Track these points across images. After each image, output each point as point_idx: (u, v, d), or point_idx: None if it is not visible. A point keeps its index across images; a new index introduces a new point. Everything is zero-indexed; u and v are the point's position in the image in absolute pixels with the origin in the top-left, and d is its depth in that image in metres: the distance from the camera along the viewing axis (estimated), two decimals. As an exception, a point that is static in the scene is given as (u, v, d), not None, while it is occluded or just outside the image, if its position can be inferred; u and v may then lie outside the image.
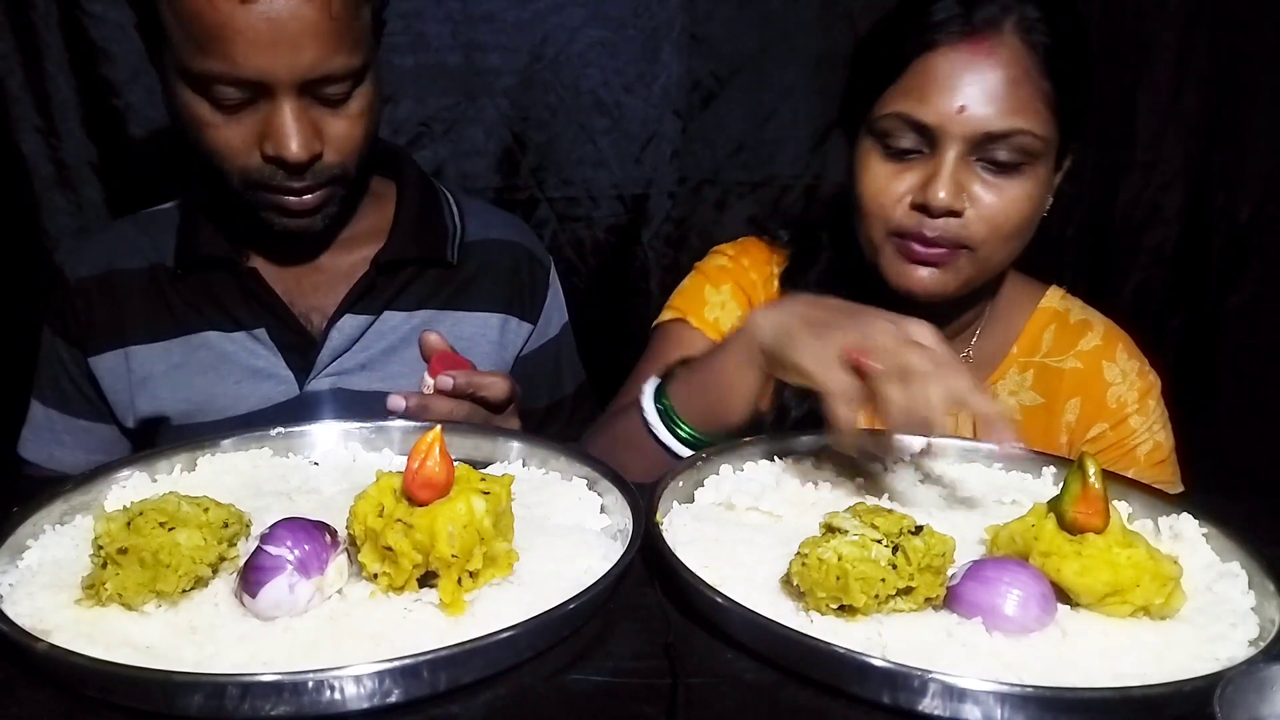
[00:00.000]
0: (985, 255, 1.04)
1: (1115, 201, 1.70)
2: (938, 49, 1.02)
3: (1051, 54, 1.01)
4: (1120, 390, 1.16)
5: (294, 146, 1.03)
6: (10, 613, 0.66)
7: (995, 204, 1.02)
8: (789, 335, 0.88)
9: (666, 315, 1.25)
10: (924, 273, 1.05)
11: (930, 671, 0.61)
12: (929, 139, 1.02)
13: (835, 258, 1.20)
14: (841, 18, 1.60)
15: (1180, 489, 1.16)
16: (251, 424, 1.14)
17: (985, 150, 1.01)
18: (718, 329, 1.20)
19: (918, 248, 1.04)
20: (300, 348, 1.19)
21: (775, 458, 0.95)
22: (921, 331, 0.84)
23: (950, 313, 1.15)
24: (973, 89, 1.00)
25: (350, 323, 1.19)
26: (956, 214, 1.02)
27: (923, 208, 1.02)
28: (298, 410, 1.17)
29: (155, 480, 0.87)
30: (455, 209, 1.30)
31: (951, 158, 1.01)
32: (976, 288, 1.10)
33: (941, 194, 1.00)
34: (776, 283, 1.24)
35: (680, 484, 0.88)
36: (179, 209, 1.25)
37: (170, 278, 1.19)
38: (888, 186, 1.05)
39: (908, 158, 1.04)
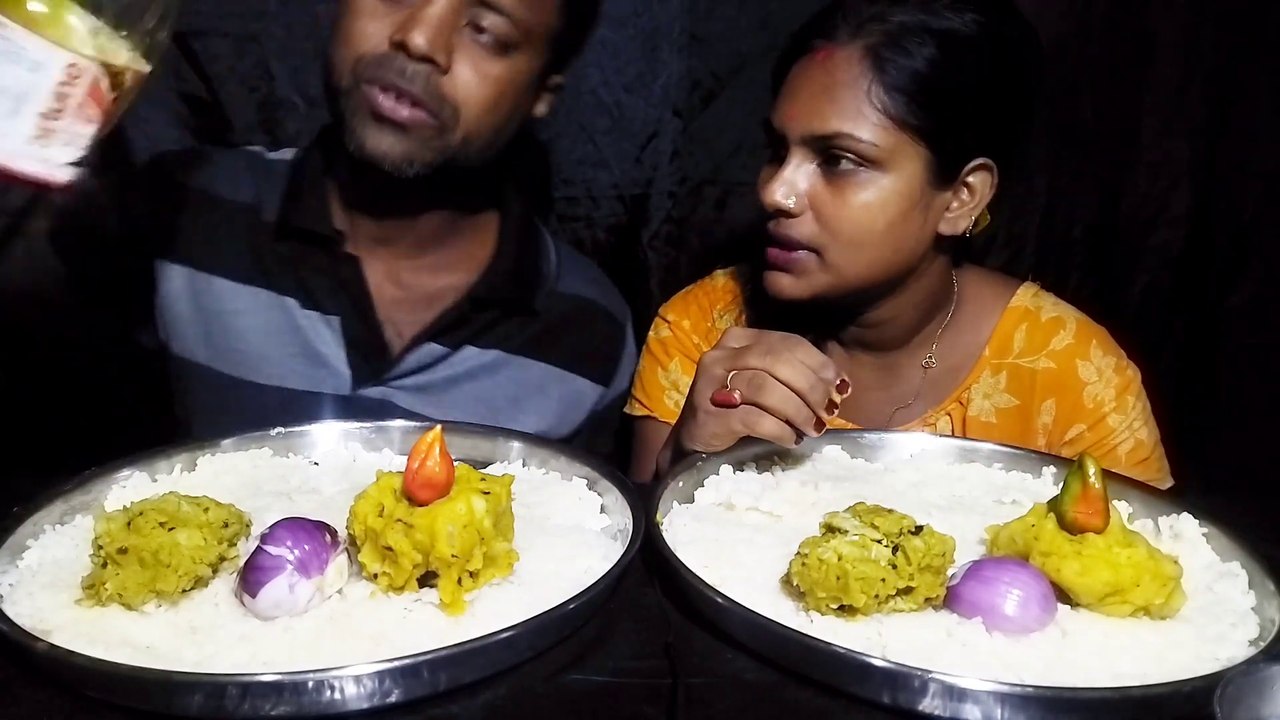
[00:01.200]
0: (834, 261, 1.07)
1: (1121, 201, 1.69)
2: (798, 60, 1.08)
3: (903, 69, 1.02)
4: (1097, 389, 1.14)
5: (421, 35, 1.01)
6: (10, 613, 0.66)
7: (829, 207, 1.05)
8: (688, 440, 0.96)
9: (637, 410, 1.28)
10: (778, 277, 1.10)
11: (930, 671, 0.61)
12: (783, 145, 1.08)
13: None
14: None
15: (1170, 483, 1.15)
16: (286, 406, 1.12)
17: (822, 155, 1.05)
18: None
19: (771, 252, 1.09)
20: (367, 350, 1.16)
21: (775, 458, 0.95)
22: (731, 334, 0.96)
23: (897, 321, 1.15)
24: (807, 95, 1.05)
25: (430, 350, 1.17)
26: (790, 214, 1.06)
27: (775, 210, 1.07)
28: (342, 408, 1.14)
29: (155, 480, 0.87)
30: (553, 255, 1.28)
31: (792, 161, 1.06)
32: (859, 292, 1.11)
33: (774, 191, 1.06)
34: (734, 316, 1.25)
35: (680, 484, 0.88)
36: (291, 166, 1.21)
37: (267, 230, 1.16)
38: (760, 194, 1.10)
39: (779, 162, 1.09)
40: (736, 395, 0.91)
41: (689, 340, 1.25)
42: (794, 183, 1.06)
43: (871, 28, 1.03)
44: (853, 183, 1.04)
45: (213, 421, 1.15)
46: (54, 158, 0.72)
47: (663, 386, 1.25)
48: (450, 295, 1.19)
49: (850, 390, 0.93)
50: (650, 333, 1.30)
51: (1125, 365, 1.16)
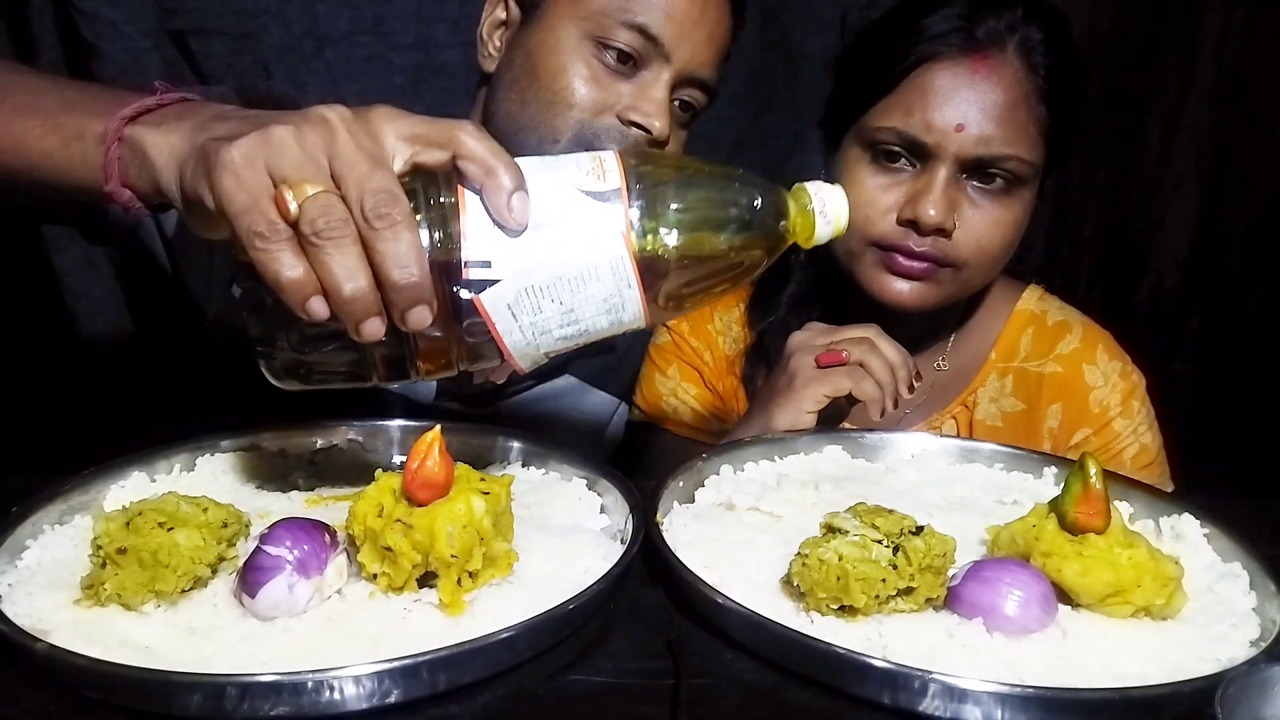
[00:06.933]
0: (969, 275, 1.06)
1: (1129, 203, 1.68)
2: (937, 63, 1.01)
3: (1051, 79, 1.01)
4: (1102, 393, 1.14)
5: (660, 120, 1.04)
6: (10, 613, 0.66)
7: (982, 225, 1.03)
8: (781, 409, 0.99)
9: (637, 416, 1.28)
10: (904, 285, 1.06)
11: (931, 672, 0.61)
12: (921, 155, 1.02)
13: (811, 272, 1.19)
14: (840, 18, 1.60)
15: (1171, 488, 1.15)
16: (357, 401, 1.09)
17: (976, 171, 1.01)
18: (679, 420, 1.23)
19: (901, 260, 1.04)
20: None
21: (775, 458, 0.95)
22: (813, 327, 1.02)
23: (922, 323, 1.15)
24: (971, 108, 0.99)
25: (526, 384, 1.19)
26: (945, 233, 1.02)
27: (912, 223, 1.02)
28: (413, 415, 1.07)
29: (155, 480, 0.87)
30: None
31: (944, 175, 1.01)
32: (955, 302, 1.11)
33: (933, 211, 1.01)
34: (739, 318, 1.24)
35: (680, 484, 0.88)
36: None
37: None
38: (876, 198, 1.05)
39: (897, 170, 1.04)
40: (845, 354, 0.97)
41: (687, 345, 1.24)
42: (950, 199, 1.02)
43: (1014, 35, 1.00)
44: (1004, 201, 1.03)
45: (265, 409, 1.11)
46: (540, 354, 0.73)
47: (660, 393, 1.24)
48: None
49: (920, 384, 1.00)
50: (652, 336, 1.29)
51: (1131, 370, 1.16)
